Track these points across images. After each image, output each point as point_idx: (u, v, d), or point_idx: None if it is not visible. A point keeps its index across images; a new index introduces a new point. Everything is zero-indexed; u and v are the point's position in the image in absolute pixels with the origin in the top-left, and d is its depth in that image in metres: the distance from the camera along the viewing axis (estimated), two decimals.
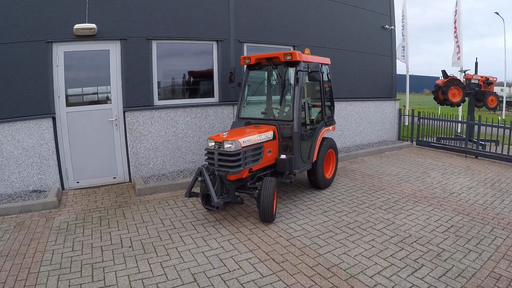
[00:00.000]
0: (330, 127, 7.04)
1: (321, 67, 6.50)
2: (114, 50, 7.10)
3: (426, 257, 4.23)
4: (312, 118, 6.72)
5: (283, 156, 5.83)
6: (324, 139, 6.76)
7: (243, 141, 5.16)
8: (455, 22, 13.82)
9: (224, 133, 5.28)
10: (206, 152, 5.32)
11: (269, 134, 5.75)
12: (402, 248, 4.44)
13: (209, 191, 4.81)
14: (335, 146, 7.12)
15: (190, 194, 5.18)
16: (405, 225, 5.18)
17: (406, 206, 5.92)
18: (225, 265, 4.09)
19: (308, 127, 6.40)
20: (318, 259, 4.20)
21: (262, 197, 4.97)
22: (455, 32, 13.87)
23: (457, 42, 13.80)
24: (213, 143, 5.19)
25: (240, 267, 4.04)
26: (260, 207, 5.04)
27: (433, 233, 4.90)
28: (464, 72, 12.68)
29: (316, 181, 6.60)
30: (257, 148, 5.44)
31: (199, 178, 4.97)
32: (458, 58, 13.78)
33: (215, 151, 5.13)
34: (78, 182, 7.16)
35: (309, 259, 4.20)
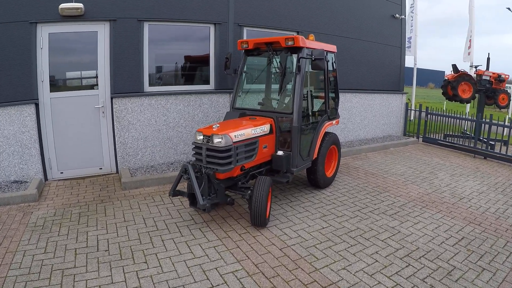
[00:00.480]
0: (334, 121, 6.51)
1: (326, 54, 5.93)
2: (102, 31, 6.54)
3: (435, 275, 3.74)
4: (314, 110, 6.17)
5: (280, 153, 5.31)
6: (326, 134, 6.23)
7: (235, 136, 4.63)
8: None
9: (214, 126, 4.74)
10: (194, 146, 4.79)
11: (265, 128, 5.22)
12: (409, 264, 3.96)
13: (194, 191, 4.31)
14: (338, 142, 6.59)
15: (175, 193, 4.68)
16: (412, 235, 4.69)
17: (413, 212, 5.43)
18: (208, 279, 3.62)
19: (309, 120, 5.87)
20: (314, 275, 3.72)
21: (254, 199, 4.47)
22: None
23: (470, 36, 13.18)
24: (202, 137, 4.66)
25: (225, 282, 3.57)
26: (252, 211, 4.54)
27: (442, 246, 4.41)
28: (476, 67, 12.07)
29: (316, 180, 6.10)
30: (251, 144, 4.92)
31: (184, 176, 4.48)
32: (469, 53, 13.19)
33: (203, 146, 4.60)
34: (62, 173, 6.71)
35: (303, 275, 3.72)
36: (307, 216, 5.19)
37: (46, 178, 6.54)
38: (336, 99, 6.61)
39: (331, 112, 6.35)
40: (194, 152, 4.78)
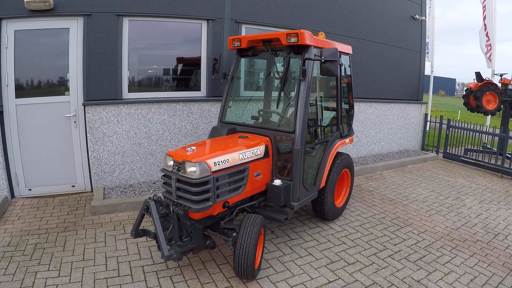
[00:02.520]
0: (347, 139, 5.40)
1: (340, 56, 4.81)
2: (75, 28, 5.59)
3: None
4: (323, 126, 5.07)
5: (277, 182, 4.20)
6: (337, 155, 5.14)
7: (214, 163, 3.55)
8: (484, 19, 11.95)
9: (189, 148, 3.65)
10: (163, 174, 3.74)
11: (258, 150, 4.14)
12: None
13: (157, 237, 3.27)
14: (351, 165, 5.47)
15: (137, 234, 3.60)
16: None
17: (442, 257, 4.34)
18: None
19: (316, 139, 4.80)
20: None
21: (239, 247, 3.40)
22: (485, 30, 12.00)
23: (487, 41, 11.98)
24: (172, 163, 3.60)
25: None
26: (236, 261, 3.47)
27: None
28: (501, 76, 10.92)
29: (323, 212, 5.00)
30: (238, 172, 3.83)
31: (147, 215, 3.44)
32: (489, 59, 12.00)
33: (172, 176, 3.54)
34: (30, 190, 5.84)
35: None
36: (310, 262, 4.10)
37: (13, 195, 5.72)
38: (350, 111, 5.53)
39: (344, 127, 5.27)
40: (164, 182, 3.71)
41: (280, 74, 4.61)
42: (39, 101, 5.63)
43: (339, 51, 4.65)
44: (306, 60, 4.16)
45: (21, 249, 4.15)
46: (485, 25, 11.93)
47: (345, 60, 5.18)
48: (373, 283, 3.73)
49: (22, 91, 5.55)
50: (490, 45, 11.97)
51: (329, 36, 6.32)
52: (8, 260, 3.91)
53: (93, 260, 3.98)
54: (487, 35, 11.98)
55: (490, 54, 11.90)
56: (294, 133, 4.18)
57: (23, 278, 3.58)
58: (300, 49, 4.30)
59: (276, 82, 5.00)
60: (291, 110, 4.67)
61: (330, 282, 3.73)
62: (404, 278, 3.86)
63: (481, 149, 9.86)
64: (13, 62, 5.40)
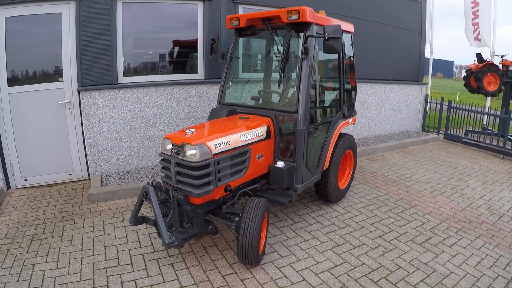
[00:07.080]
0: (350, 120, 5.27)
1: (342, 34, 4.65)
2: (67, 13, 5.38)
3: None
4: (325, 106, 4.96)
5: (280, 164, 4.09)
6: (340, 136, 5.01)
7: (215, 145, 3.41)
8: None
9: (188, 131, 3.49)
10: (161, 159, 3.60)
11: (260, 131, 4.00)
12: None
13: (157, 224, 3.15)
14: (354, 146, 5.36)
15: (136, 221, 3.46)
16: (450, 275, 3.54)
17: (448, 239, 4.25)
18: None
19: (319, 120, 4.67)
20: None
21: (243, 232, 3.29)
22: (473, 8, 11.58)
23: (473, 19, 11.57)
24: (171, 146, 3.46)
25: None
26: (239, 246, 3.36)
27: None
28: (502, 57, 10.73)
29: (327, 194, 4.90)
30: (240, 154, 3.70)
31: (146, 201, 3.32)
32: (476, 39, 11.60)
33: (171, 160, 3.40)
34: (26, 180, 5.70)
35: None
36: (315, 246, 4.01)
37: (9, 186, 5.57)
38: (353, 91, 5.38)
39: (347, 108, 5.13)
40: (162, 167, 3.58)
41: (280, 53, 4.44)
42: (32, 89, 5.44)
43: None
44: (308, 38, 3.99)
45: (18, 241, 4.03)
46: (477, 2, 11.53)
47: (346, 39, 5.01)
48: (380, 266, 3.65)
49: (14, 79, 5.37)
50: (477, 23, 11.59)
51: (328, 16, 6.12)
52: (5, 253, 3.80)
53: (91, 249, 3.87)
54: (473, 13, 11.56)
55: (478, 34, 11.57)
56: (297, 113, 4.04)
57: (21, 271, 3.47)
58: (301, 27, 4.13)
59: (277, 62, 4.85)
60: (292, 90, 4.53)
61: (336, 266, 3.64)
62: (411, 260, 3.77)
63: (481, 130, 9.76)
64: (4, 49, 5.19)
